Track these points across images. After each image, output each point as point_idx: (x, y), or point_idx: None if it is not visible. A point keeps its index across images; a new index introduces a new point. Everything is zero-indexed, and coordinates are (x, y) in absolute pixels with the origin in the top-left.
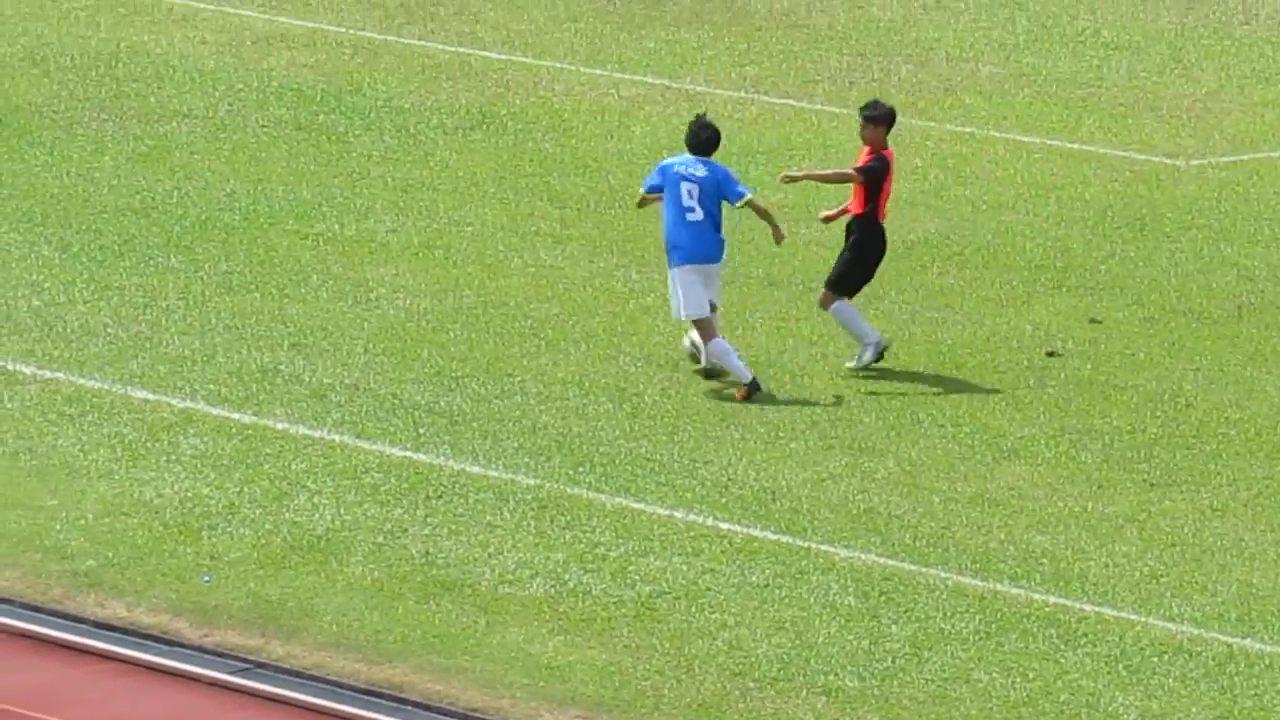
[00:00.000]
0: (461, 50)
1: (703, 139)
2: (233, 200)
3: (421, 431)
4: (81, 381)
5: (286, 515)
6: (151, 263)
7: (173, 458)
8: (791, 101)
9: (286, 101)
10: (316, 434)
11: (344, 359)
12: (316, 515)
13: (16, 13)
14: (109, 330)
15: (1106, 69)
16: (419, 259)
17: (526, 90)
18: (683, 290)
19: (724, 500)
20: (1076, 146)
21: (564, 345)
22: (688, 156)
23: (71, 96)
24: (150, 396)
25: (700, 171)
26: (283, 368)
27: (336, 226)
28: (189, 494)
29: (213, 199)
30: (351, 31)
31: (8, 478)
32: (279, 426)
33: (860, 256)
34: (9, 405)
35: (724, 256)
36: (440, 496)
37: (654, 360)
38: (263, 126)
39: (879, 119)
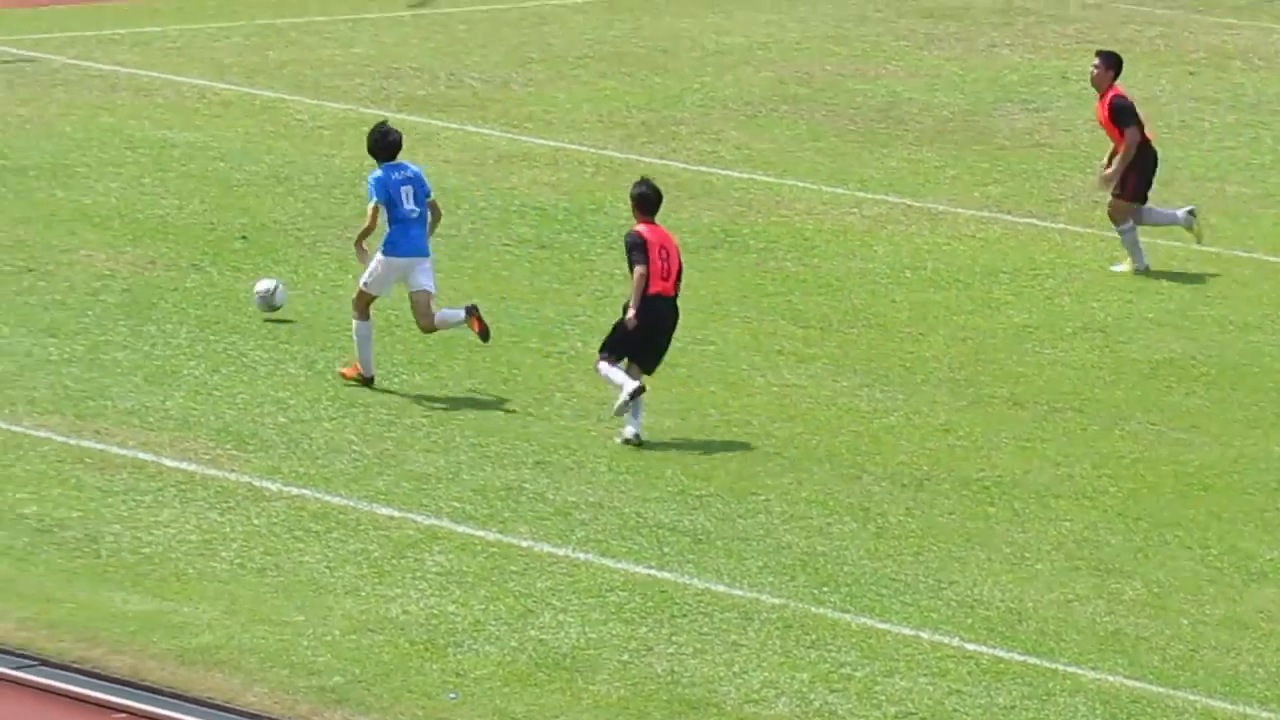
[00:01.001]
0: (703, 169)
1: (392, 141)
2: None
3: (666, 550)
4: (327, 498)
5: (531, 633)
6: (396, 380)
7: (418, 575)
8: (1035, 221)
9: (529, 220)
10: (561, 552)
11: (588, 477)
12: (561, 633)
13: (262, 131)
14: (354, 447)
15: None
16: (661, 377)
17: (768, 209)
18: (378, 269)
19: (970, 621)
20: None
21: (807, 464)
22: (388, 164)
23: (316, 214)
24: (395, 513)
25: (408, 173)
26: (527, 485)
27: (579, 344)
28: (434, 611)
29: None
30: (593, 151)
31: (254, 594)
32: (523, 544)
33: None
34: (256, 521)
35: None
36: (685, 615)
37: (898, 479)
38: (505, 245)
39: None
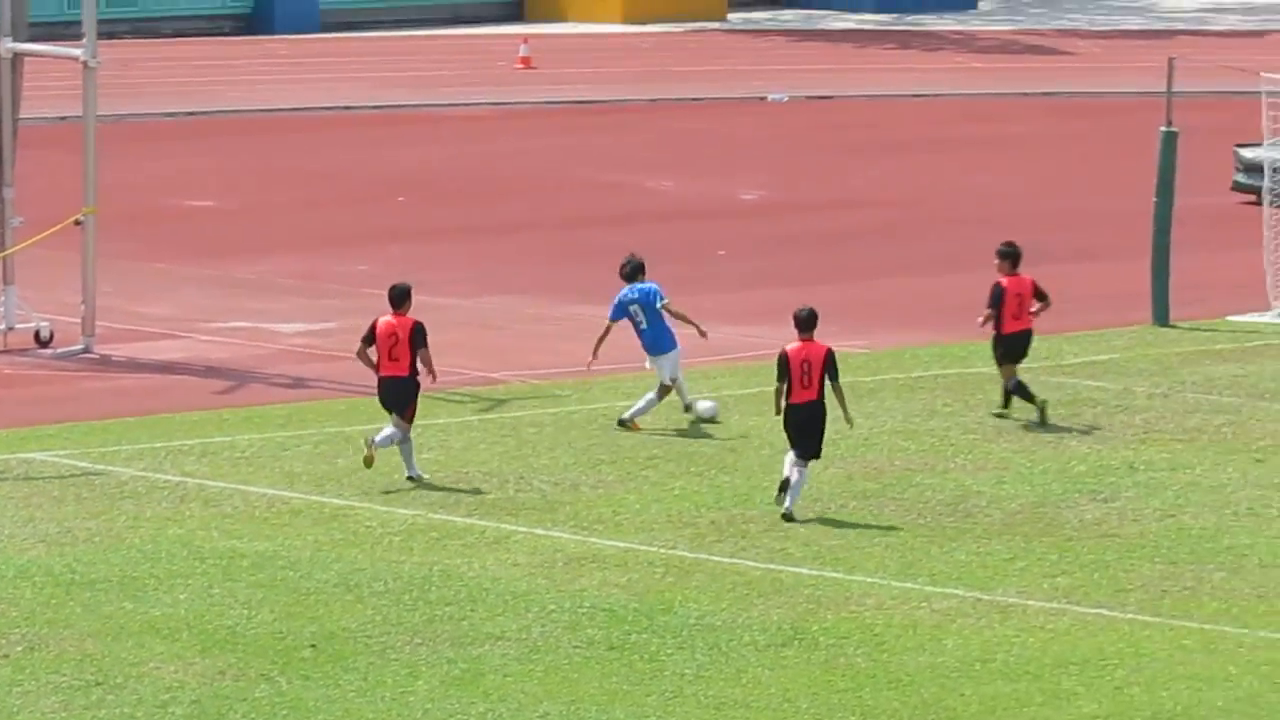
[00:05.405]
0: (773, 567)
1: (628, 270)
2: None
3: None
4: None
5: None
6: None
7: None
8: (1104, 611)
9: (599, 622)
10: None
11: None
12: None
13: (330, 539)
14: None
15: None
16: None
17: (838, 605)
18: (667, 368)
19: None
20: None
21: None
22: (625, 288)
23: (385, 621)
24: None
25: (634, 295)
26: None
27: None
28: None
29: None
30: (663, 550)
31: None
32: None
33: None
34: None
35: (676, 346)
36: None
37: None
38: (575, 647)
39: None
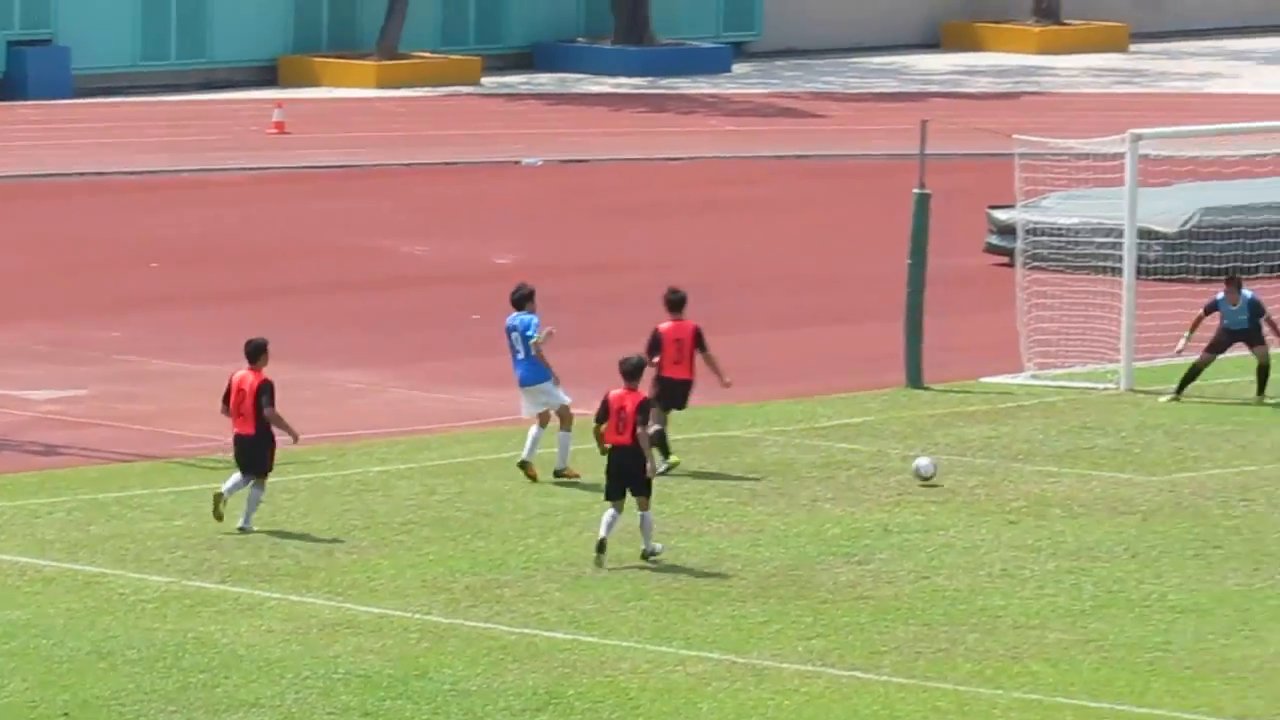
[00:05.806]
0: (527, 631)
1: (516, 297)
2: None
3: None
4: None
5: None
6: None
7: None
8: (858, 673)
9: (353, 688)
10: None
11: None
12: None
13: (83, 607)
14: None
15: (1173, 632)
16: None
17: (593, 670)
18: (546, 398)
19: None
20: (1145, 711)
21: None
22: (512, 314)
23: (139, 689)
24: None
25: (516, 323)
26: None
27: None
28: None
29: None
30: (417, 616)
31: None
32: None
33: None
34: None
35: (550, 379)
36: None
37: None
38: (330, 714)
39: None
